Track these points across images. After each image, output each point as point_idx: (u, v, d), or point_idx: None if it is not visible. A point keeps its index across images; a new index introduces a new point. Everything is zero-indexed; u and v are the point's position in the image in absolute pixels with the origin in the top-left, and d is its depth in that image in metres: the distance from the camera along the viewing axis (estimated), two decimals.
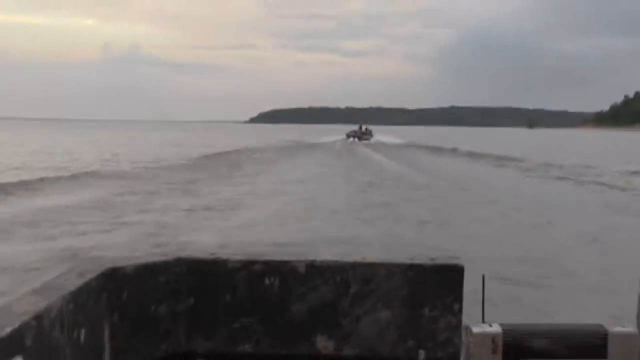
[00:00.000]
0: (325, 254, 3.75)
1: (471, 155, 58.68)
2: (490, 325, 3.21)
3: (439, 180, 31.19)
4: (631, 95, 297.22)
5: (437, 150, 68.81)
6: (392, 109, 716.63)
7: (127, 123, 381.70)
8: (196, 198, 22.92)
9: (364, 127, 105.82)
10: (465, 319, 3.55)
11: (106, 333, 3.45)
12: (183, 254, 3.72)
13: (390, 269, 3.67)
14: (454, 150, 66.57)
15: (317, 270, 3.66)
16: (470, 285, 3.52)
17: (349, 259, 3.73)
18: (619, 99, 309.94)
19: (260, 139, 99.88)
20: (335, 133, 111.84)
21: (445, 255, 3.78)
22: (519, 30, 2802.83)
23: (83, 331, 3.13)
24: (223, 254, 3.75)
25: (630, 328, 3.19)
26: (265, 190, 26.20)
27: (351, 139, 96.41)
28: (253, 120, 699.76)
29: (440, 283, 3.68)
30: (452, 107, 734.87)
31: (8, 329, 2.40)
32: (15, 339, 2.45)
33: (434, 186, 27.90)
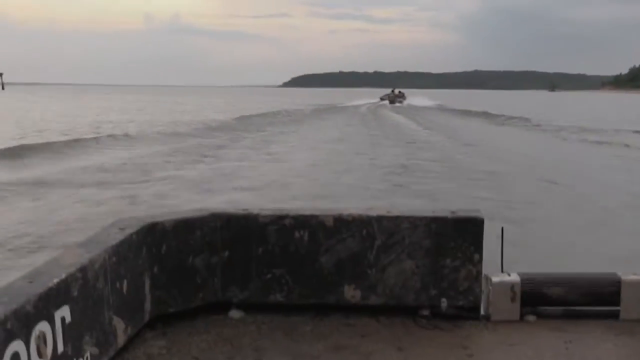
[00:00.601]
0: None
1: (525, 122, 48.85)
2: (509, 275, 3.53)
3: (495, 161, 21.92)
4: None
5: (471, 114, 58.62)
6: (418, 73, 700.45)
7: (167, 88, 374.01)
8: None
9: (396, 90, 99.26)
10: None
11: (147, 284, 3.40)
12: (217, 209, 3.72)
13: (414, 222, 3.63)
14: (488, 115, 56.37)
15: (344, 224, 3.61)
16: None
17: (374, 212, 3.69)
18: (635, 63, 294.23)
19: (292, 103, 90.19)
20: (367, 96, 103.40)
21: (466, 209, 3.74)
22: None
23: (125, 282, 3.10)
24: (254, 209, 3.74)
25: None
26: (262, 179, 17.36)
27: (385, 101, 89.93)
28: (286, 85, 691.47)
29: (461, 235, 3.61)
30: (476, 71, 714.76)
31: (56, 280, 2.44)
32: (63, 290, 2.48)
33: (498, 172, 18.58)
